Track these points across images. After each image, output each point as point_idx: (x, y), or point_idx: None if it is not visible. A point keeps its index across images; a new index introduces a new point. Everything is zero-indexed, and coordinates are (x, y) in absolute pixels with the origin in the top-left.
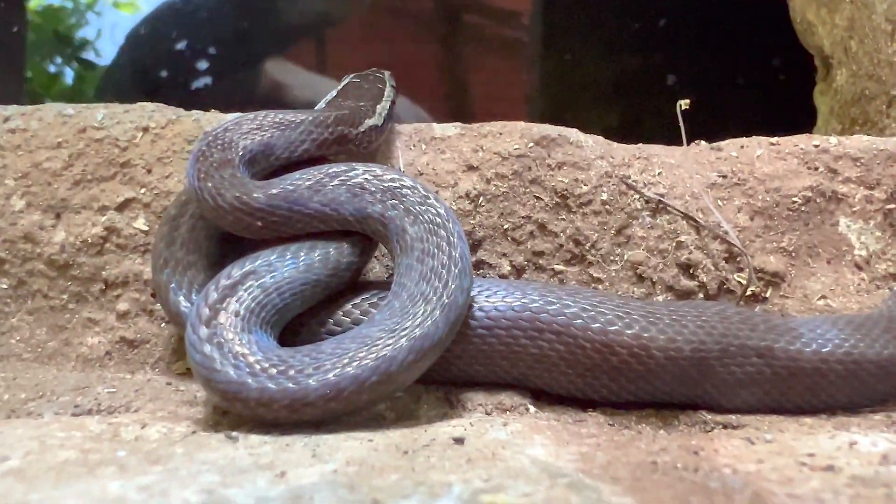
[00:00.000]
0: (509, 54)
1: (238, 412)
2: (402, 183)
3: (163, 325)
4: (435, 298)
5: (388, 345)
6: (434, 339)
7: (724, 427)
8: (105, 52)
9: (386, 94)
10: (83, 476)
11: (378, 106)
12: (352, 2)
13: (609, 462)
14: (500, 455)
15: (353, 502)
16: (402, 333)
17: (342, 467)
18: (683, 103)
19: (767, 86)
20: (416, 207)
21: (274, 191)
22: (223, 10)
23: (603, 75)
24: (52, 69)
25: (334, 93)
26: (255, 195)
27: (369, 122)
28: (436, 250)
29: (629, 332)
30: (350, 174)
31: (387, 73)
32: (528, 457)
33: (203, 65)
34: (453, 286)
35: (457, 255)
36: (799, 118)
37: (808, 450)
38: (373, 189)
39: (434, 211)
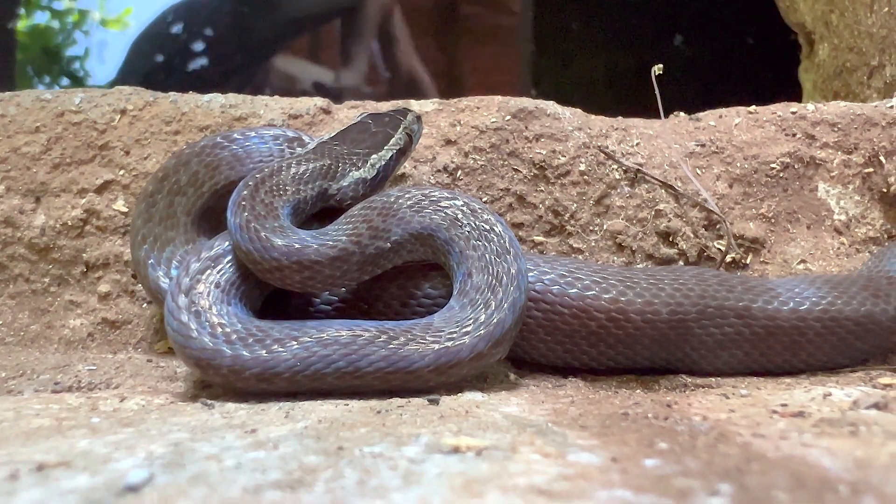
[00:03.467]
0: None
1: (211, 380)
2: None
3: (144, 305)
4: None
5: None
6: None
7: (703, 388)
8: (93, 70)
9: (393, 141)
10: (54, 437)
11: (374, 155)
12: None
13: (580, 414)
14: (474, 413)
15: (318, 449)
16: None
17: (313, 424)
18: (657, 69)
19: (756, 73)
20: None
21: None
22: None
23: (596, 71)
24: (41, 87)
25: (332, 133)
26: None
27: (356, 174)
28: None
29: (606, 296)
30: None
31: (410, 116)
32: (501, 413)
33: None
34: None
35: None
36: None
37: (781, 401)
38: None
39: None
